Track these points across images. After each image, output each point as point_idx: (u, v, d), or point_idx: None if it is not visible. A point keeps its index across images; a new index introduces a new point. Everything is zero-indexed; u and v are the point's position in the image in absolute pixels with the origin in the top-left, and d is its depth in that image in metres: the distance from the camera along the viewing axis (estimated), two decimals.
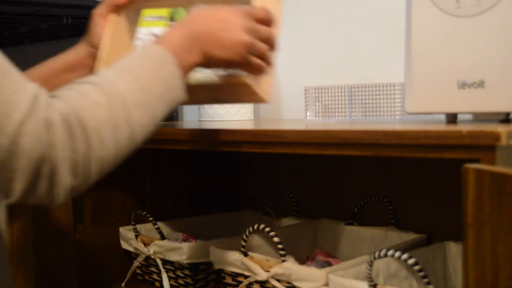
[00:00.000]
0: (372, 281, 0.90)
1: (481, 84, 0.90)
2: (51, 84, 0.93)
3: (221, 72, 0.97)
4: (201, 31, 0.87)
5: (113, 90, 0.76)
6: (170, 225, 1.46)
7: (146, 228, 1.39)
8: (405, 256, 0.86)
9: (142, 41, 1.06)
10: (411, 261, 0.87)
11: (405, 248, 1.13)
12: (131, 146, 0.77)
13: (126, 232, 1.38)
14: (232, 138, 1.00)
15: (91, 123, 0.72)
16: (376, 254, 0.89)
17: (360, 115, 1.18)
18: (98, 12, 1.09)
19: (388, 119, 1.15)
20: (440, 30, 0.94)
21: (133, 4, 1.09)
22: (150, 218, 1.32)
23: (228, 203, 1.65)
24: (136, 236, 1.34)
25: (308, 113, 1.25)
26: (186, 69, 0.85)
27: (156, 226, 1.30)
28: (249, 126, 1.16)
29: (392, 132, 0.82)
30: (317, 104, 1.24)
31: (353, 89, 1.19)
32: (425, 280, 0.88)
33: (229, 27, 0.88)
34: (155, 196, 1.50)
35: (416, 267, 0.87)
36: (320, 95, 1.24)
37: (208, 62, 0.89)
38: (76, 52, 1.10)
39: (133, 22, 1.12)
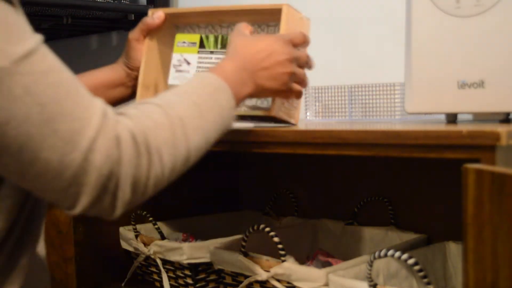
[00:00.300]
0: (372, 281, 0.90)
1: (481, 84, 0.90)
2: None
3: (250, 103, 1.08)
4: (252, 63, 0.94)
5: (174, 113, 0.79)
6: (170, 225, 1.46)
7: (146, 228, 1.39)
8: (405, 256, 0.86)
9: (176, 67, 1.16)
10: (411, 261, 0.87)
11: (405, 248, 1.13)
12: (184, 168, 0.81)
13: (126, 232, 1.38)
14: (232, 138, 1.00)
15: (154, 143, 0.75)
16: (376, 254, 0.89)
17: (360, 115, 1.18)
18: (134, 37, 1.14)
19: (388, 119, 1.15)
20: (440, 30, 0.94)
21: (165, 24, 1.15)
22: (150, 218, 1.32)
23: (228, 203, 1.65)
24: (136, 236, 1.34)
25: (308, 113, 1.25)
26: (239, 100, 0.91)
27: (156, 226, 1.30)
28: (249, 126, 1.16)
29: (392, 132, 0.82)
30: (317, 104, 1.24)
31: (353, 89, 1.19)
32: (425, 280, 0.88)
33: (277, 59, 0.95)
34: (155, 196, 1.50)
35: (416, 267, 0.87)
36: (320, 95, 1.24)
37: (258, 93, 0.96)
38: (116, 71, 1.15)
39: (168, 45, 1.18)
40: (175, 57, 1.16)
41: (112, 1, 1.79)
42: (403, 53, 0.98)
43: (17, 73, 0.68)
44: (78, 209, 0.72)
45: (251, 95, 0.95)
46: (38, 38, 0.72)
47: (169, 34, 1.18)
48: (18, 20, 0.71)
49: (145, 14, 1.91)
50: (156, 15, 1.14)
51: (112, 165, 0.71)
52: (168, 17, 1.15)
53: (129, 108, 0.78)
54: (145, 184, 0.75)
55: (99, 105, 0.73)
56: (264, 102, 1.08)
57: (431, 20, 0.94)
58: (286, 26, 1.03)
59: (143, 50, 1.14)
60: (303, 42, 1.01)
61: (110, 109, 0.74)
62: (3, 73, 0.67)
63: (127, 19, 1.94)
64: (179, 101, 0.82)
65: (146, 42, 1.14)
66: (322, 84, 1.24)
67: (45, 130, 0.69)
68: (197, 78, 0.89)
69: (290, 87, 0.98)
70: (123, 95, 1.17)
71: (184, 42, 1.16)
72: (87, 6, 1.76)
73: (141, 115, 0.77)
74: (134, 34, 1.14)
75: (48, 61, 0.72)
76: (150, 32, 1.14)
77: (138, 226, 1.36)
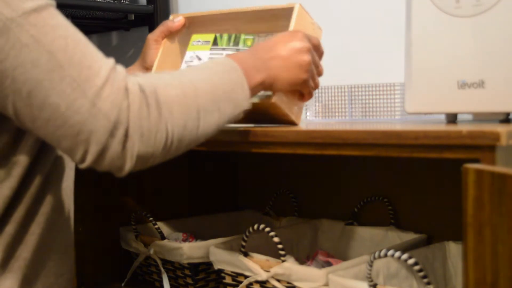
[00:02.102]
0: (372, 281, 0.90)
1: (481, 84, 0.90)
2: None
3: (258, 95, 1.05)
4: (268, 53, 0.93)
5: (185, 78, 0.82)
6: (170, 225, 1.46)
7: (146, 228, 1.39)
8: (405, 256, 0.86)
9: (187, 63, 1.18)
10: (411, 261, 0.87)
11: (405, 248, 1.13)
12: (198, 131, 0.81)
13: (126, 232, 1.38)
14: (232, 138, 1.00)
15: (164, 98, 0.77)
16: (376, 254, 0.89)
17: (360, 115, 1.18)
18: (153, 37, 1.17)
19: (388, 119, 1.15)
20: (440, 30, 0.94)
21: (185, 29, 1.19)
22: (150, 218, 1.32)
23: (228, 203, 1.65)
24: (136, 236, 1.34)
25: (308, 113, 1.25)
26: (252, 85, 0.90)
27: (156, 226, 1.30)
28: (249, 126, 1.16)
29: (392, 132, 0.82)
30: (317, 104, 1.24)
31: (353, 89, 1.19)
32: (425, 280, 0.88)
33: (294, 49, 0.94)
34: (155, 196, 1.50)
35: (416, 267, 0.87)
36: (320, 95, 1.24)
37: (273, 84, 0.94)
38: (132, 71, 1.18)
39: (184, 48, 1.20)
40: (188, 54, 1.18)
41: (112, 1, 1.79)
42: (403, 53, 0.98)
43: (26, 24, 0.72)
44: (89, 158, 0.74)
45: (264, 84, 0.92)
46: (50, 1, 0.76)
47: (187, 38, 1.20)
48: None
49: (145, 14, 1.91)
50: (176, 19, 1.18)
51: (120, 112, 0.73)
52: (187, 21, 1.19)
53: (138, 73, 0.81)
54: (154, 136, 0.76)
55: (110, 61, 0.76)
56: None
57: (431, 20, 0.94)
58: (297, 24, 1.02)
59: (160, 49, 1.16)
60: (318, 46, 1.00)
61: (121, 66, 0.77)
62: (11, 23, 0.71)
63: (127, 19, 1.95)
64: (190, 70, 0.85)
65: (164, 42, 1.17)
66: (322, 84, 1.24)
67: (53, 76, 0.72)
68: (208, 61, 0.91)
69: (307, 82, 0.97)
70: None
71: (198, 41, 1.18)
72: (87, 6, 1.76)
73: (151, 77, 0.80)
74: (153, 35, 1.17)
75: (57, 18, 0.75)
76: (170, 35, 1.18)
77: (138, 226, 1.36)
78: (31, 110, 0.73)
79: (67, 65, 0.73)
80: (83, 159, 0.74)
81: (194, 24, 1.20)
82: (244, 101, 0.88)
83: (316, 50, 0.99)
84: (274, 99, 0.98)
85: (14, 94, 0.73)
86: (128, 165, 0.76)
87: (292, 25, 1.02)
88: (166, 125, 0.77)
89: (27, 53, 0.72)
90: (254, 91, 0.91)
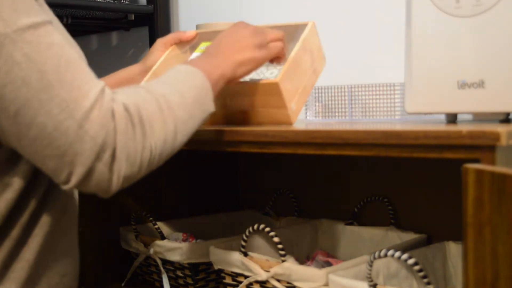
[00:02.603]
0: (372, 281, 0.90)
1: (481, 84, 0.90)
2: None
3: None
4: (218, 48, 0.97)
5: (158, 93, 0.82)
6: (170, 225, 1.46)
7: (146, 228, 1.39)
8: (405, 256, 0.86)
9: None
10: (411, 261, 0.87)
11: (405, 248, 1.13)
12: (175, 145, 0.83)
13: (126, 232, 1.38)
14: (232, 138, 1.00)
15: (146, 116, 0.78)
16: (376, 254, 0.89)
17: (360, 115, 1.18)
18: (162, 41, 1.20)
19: (388, 119, 1.15)
20: (440, 30, 0.93)
21: (195, 41, 1.22)
22: (150, 218, 1.32)
23: (228, 203, 1.65)
24: (136, 236, 1.34)
25: (308, 113, 1.25)
26: (214, 81, 0.92)
27: (156, 226, 1.30)
28: (249, 126, 1.16)
29: (392, 132, 0.82)
30: (317, 104, 1.24)
31: (353, 89, 1.19)
32: (425, 280, 0.88)
33: (238, 33, 0.99)
34: (155, 196, 1.50)
35: (416, 267, 0.87)
36: (320, 95, 1.24)
37: (234, 70, 0.97)
38: (129, 71, 1.21)
39: (191, 52, 1.23)
40: (194, 54, 1.20)
41: (112, 1, 1.79)
42: (403, 53, 0.98)
43: (20, 41, 0.72)
44: (74, 180, 0.74)
45: (224, 75, 0.95)
46: (47, 17, 0.76)
47: (195, 45, 1.23)
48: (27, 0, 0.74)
49: (145, 14, 1.91)
50: (189, 32, 1.22)
51: (107, 135, 0.73)
52: (199, 37, 1.22)
53: (118, 90, 0.81)
54: (140, 156, 0.77)
55: (99, 84, 0.76)
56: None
57: (431, 20, 0.94)
58: (305, 41, 1.06)
59: (166, 51, 1.19)
60: (278, 38, 1.02)
61: (108, 89, 0.77)
62: (5, 39, 0.71)
63: (127, 19, 1.95)
64: (157, 83, 0.85)
65: (173, 48, 1.21)
66: (322, 84, 1.24)
67: (42, 96, 0.72)
68: (169, 70, 0.92)
69: (261, 48, 0.99)
70: None
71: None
72: (87, 6, 1.76)
73: (128, 92, 0.80)
74: (163, 39, 1.21)
75: (53, 36, 0.75)
76: (179, 42, 1.21)
77: (138, 226, 1.36)
78: (18, 128, 0.73)
79: (57, 86, 0.72)
80: (67, 181, 0.74)
81: (204, 38, 1.22)
82: (211, 102, 0.91)
83: (275, 39, 1.02)
84: (279, 79, 1.00)
85: (2, 111, 0.72)
86: (114, 187, 0.76)
87: (301, 40, 1.05)
88: (150, 143, 0.77)
89: (18, 70, 0.71)
90: (216, 86, 0.93)
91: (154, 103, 0.80)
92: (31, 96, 0.72)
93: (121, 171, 0.75)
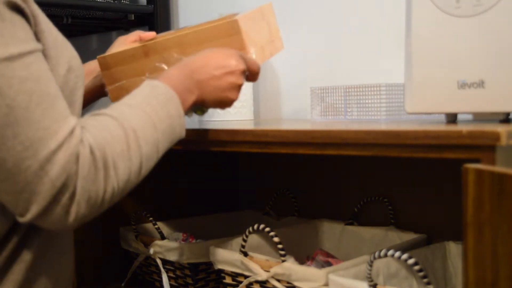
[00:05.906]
0: (372, 281, 0.90)
1: (481, 84, 0.90)
2: None
3: None
4: (201, 72, 0.94)
5: (129, 125, 0.81)
6: (170, 225, 1.46)
7: (146, 228, 1.39)
8: (405, 256, 0.86)
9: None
10: (411, 261, 0.87)
11: (405, 248, 1.13)
12: (137, 179, 0.83)
13: (126, 232, 1.38)
14: (232, 138, 1.00)
15: (111, 157, 0.77)
16: (376, 254, 0.89)
17: (360, 115, 1.18)
18: (123, 37, 1.21)
19: (388, 119, 1.15)
20: (440, 30, 0.93)
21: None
22: (150, 218, 1.32)
23: (228, 203, 1.65)
24: (136, 236, 1.34)
25: (313, 113, 1.25)
26: (186, 108, 0.93)
27: (156, 226, 1.30)
28: (249, 126, 1.16)
29: (392, 132, 0.82)
30: (321, 104, 1.24)
31: (353, 89, 1.19)
32: (425, 280, 0.88)
33: (228, 70, 0.95)
34: (155, 196, 1.50)
35: (416, 267, 0.87)
36: (323, 95, 1.24)
37: (204, 102, 0.96)
38: (94, 63, 1.20)
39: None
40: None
41: (112, 1, 1.79)
42: (403, 53, 0.98)
43: None
44: (28, 216, 0.73)
45: (195, 103, 0.95)
46: (29, 47, 0.74)
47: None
48: (10, 25, 0.72)
49: (145, 14, 1.91)
50: (148, 33, 1.21)
51: (68, 178, 0.72)
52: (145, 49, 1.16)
53: (88, 120, 0.80)
54: (102, 198, 0.77)
55: (70, 122, 0.75)
56: None
57: (431, 20, 0.94)
58: (262, 8, 1.03)
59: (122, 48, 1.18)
60: (255, 70, 1.01)
61: (79, 128, 0.76)
62: None
63: (127, 19, 1.94)
64: (133, 113, 0.84)
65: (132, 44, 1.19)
66: (322, 84, 1.24)
67: (6, 132, 0.71)
68: (147, 87, 0.90)
69: (234, 101, 0.99)
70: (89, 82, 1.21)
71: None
72: (87, 6, 1.76)
73: (99, 126, 0.79)
74: (125, 36, 1.21)
75: (29, 70, 0.73)
76: (139, 40, 1.20)
77: (138, 226, 1.36)
78: None
79: (24, 123, 0.71)
80: (22, 215, 0.74)
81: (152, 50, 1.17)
82: (181, 130, 0.91)
83: (252, 74, 1.01)
84: (239, 17, 0.97)
85: None
86: (70, 226, 0.76)
87: (258, 7, 1.03)
88: (112, 185, 0.77)
89: None
90: (186, 111, 0.94)
91: (123, 140, 0.79)
92: None
93: (79, 213, 0.75)
